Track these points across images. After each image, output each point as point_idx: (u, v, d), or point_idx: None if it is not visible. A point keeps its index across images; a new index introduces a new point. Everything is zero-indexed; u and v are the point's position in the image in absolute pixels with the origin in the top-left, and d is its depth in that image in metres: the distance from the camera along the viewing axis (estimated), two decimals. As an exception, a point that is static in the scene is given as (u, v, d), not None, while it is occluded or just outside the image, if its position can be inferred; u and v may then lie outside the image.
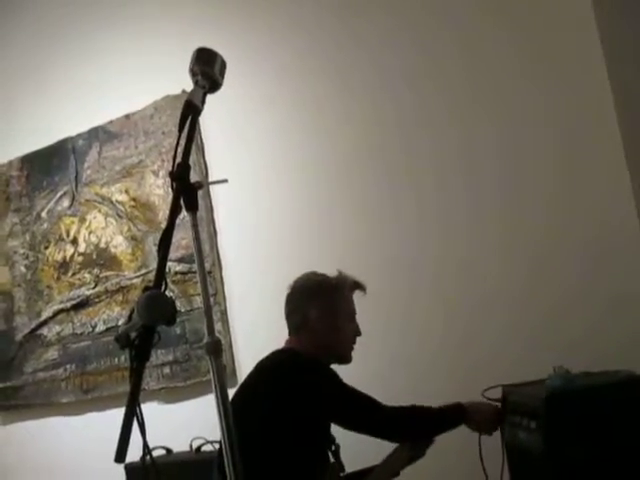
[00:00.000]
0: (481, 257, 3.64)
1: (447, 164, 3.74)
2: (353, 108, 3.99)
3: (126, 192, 4.69)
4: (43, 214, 5.02)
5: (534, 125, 3.56)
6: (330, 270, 2.98)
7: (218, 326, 4.13)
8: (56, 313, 4.91)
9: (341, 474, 2.87)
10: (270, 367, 2.83)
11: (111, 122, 4.75)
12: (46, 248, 5.00)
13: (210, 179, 4.29)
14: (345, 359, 2.95)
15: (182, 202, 1.66)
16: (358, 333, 2.99)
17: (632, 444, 2.60)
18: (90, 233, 4.83)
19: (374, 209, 3.89)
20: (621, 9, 3.41)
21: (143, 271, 4.58)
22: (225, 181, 1.93)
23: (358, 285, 2.99)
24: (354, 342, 2.99)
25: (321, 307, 2.88)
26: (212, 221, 4.34)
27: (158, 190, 4.55)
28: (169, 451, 3.98)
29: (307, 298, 2.90)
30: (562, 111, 3.49)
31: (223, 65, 1.87)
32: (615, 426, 2.62)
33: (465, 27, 3.73)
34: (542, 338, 3.44)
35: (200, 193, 1.70)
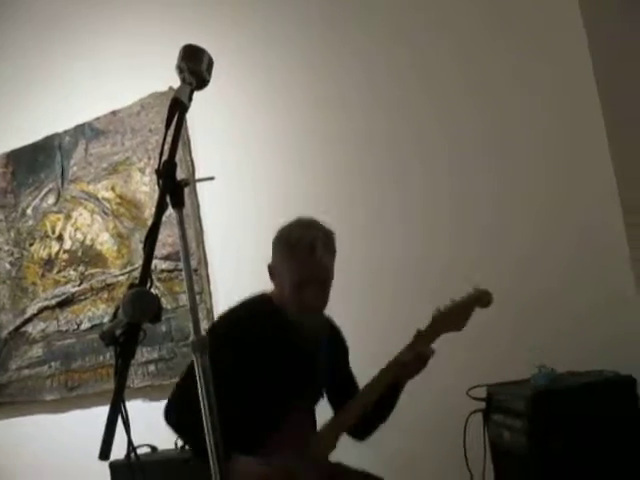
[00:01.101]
0: (466, 257, 3.65)
1: (434, 163, 3.75)
2: (341, 104, 3.99)
3: (112, 189, 4.67)
4: (28, 211, 4.99)
5: (521, 125, 3.57)
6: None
7: (204, 324, 4.12)
8: (41, 310, 4.89)
9: None
10: None
11: (98, 119, 4.74)
12: (31, 245, 4.97)
13: (197, 176, 4.28)
14: (299, 320, 2.65)
15: (168, 199, 1.65)
16: (302, 305, 2.60)
17: (615, 443, 2.63)
18: (76, 230, 4.81)
19: (360, 207, 3.89)
20: (608, 7, 3.42)
21: (129, 268, 4.56)
22: (212, 178, 1.92)
23: (313, 250, 2.55)
24: (304, 311, 2.62)
25: (273, 260, 2.67)
26: (198, 218, 4.34)
27: (144, 187, 4.54)
28: (154, 449, 3.97)
29: (272, 245, 2.71)
30: (549, 110, 3.51)
31: (210, 62, 1.86)
32: (599, 425, 2.64)
33: (457, 27, 3.74)
34: (527, 338, 3.45)
35: (186, 190, 1.70)
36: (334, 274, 2.65)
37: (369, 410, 2.66)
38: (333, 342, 2.85)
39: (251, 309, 2.70)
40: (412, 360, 2.62)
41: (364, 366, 3.74)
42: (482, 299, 2.65)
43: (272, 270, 2.66)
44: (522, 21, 3.58)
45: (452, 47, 3.73)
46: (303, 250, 2.53)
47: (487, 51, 3.64)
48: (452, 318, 2.64)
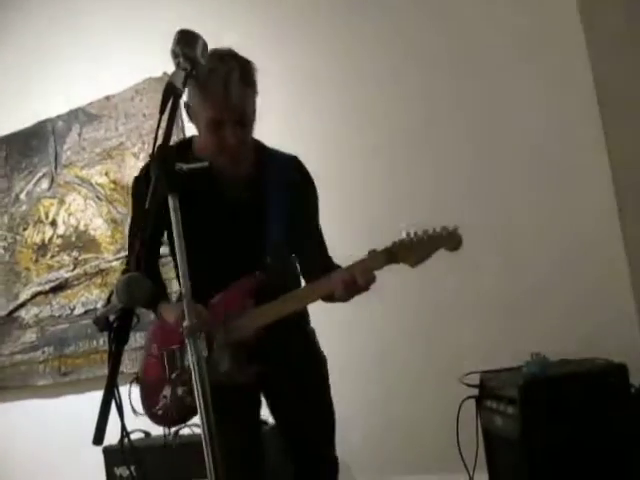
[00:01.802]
0: (462, 246, 3.64)
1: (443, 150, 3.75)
2: (334, 89, 3.99)
3: (106, 174, 4.66)
4: (22, 196, 4.98)
5: (516, 122, 3.58)
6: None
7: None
8: (34, 295, 4.88)
9: None
10: None
11: (91, 104, 4.72)
12: (24, 230, 4.96)
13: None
14: (217, 166, 2.25)
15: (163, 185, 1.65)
16: (219, 146, 2.22)
17: (607, 430, 2.64)
18: (69, 215, 4.80)
19: (353, 191, 3.89)
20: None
21: (122, 254, 4.55)
22: (205, 165, 1.92)
23: (227, 84, 2.18)
24: (223, 153, 2.23)
25: (188, 97, 2.26)
26: (192, 204, 4.32)
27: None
28: (147, 434, 3.98)
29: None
30: (545, 103, 3.51)
31: (205, 47, 1.86)
32: (591, 413, 2.65)
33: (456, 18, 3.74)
34: (520, 325, 3.47)
35: (181, 176, 1.69)
36: (255, 111, 2.29)
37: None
38: (289, 188, 2.36)
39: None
40: (353, 277, 2.15)
41: (361, 353, 3.76)
42: (450, 241, 2.16)
43: (188, 109, 2.28)
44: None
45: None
46: (216, 84, 2.16)
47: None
48: (411, 252, 2.15)
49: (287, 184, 2.35)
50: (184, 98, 2.11)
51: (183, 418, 2.31)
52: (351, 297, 2.21)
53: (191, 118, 2.29)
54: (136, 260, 1.57)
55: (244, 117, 2.24)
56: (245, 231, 2.33)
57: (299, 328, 2.44)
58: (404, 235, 2.14)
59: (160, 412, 2.30)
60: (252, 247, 2.30)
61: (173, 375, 2.28)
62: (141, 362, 2.44)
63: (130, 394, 2.24)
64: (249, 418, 2.41)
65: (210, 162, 2.21)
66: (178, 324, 2.05)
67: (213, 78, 2.15)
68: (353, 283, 2.14)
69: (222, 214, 2.32)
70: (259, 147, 2.42)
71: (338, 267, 2.30)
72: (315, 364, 2.47)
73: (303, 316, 2.47)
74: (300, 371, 2.40)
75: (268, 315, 2.21)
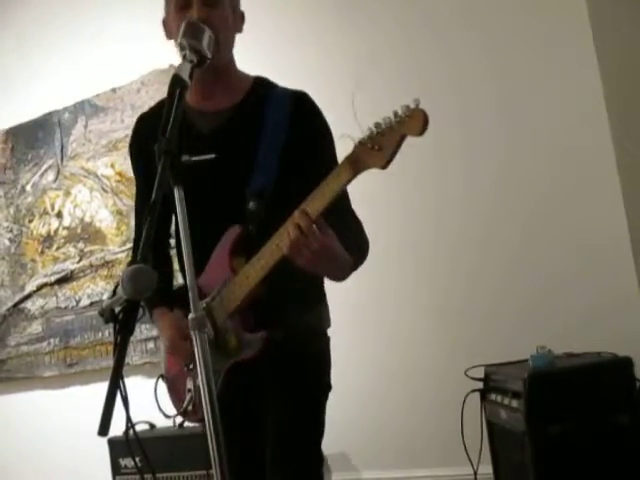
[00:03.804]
0: (468, 239, 3.65)
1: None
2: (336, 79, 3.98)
3: (112, 166, 4.66)
4: (28, 187, 4.99)
5: (532, 117, 3.57)
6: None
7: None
8: (40, 287, 4.89)
9: None
10: None
11: (97, 96, 4.72)
12: (30, 222, 4.97)
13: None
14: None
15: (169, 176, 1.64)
16: (187, 25, 1.85)
17: (612, 424, 2.64)
18: (75, 207, 4.81)
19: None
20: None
21: (128, 246, 4.55)
22: (211, 156, 1.91)
23: None
24: (190, 31, 1.84)
25: None
26: (198, 197, 4.32)
27: (144, 165, 4.53)
28: (152, 426, 3.99)
29: None
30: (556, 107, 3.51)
31: (211, 39, 1.85)
32: (595, 406, 2.65)
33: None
34: (525, 319, 3.47)
35: (186, 168, 1.69)
36: (229, 12, 2.04)
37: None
38: (286, 126, 2.03)
39: (153, 105, 2.38)
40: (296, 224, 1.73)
41: (368, 345, 3.76)
42: (413, 124, 1.55)
43: (164, 22, 2.14)
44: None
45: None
46: None
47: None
48: (374, 150, 1.62)
49: (285, 122, 2.02)
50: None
51: None
52: (314, 256, 1.74)
53: (166, 13, 2.12)
54: (141, 250, 1.56)
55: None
56: (227, 176, 2.03)
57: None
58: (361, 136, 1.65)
59: (190, 407, 2.05)
60: (234, 195, 2.00)
61: (190, 366, 2.05)
62: (163, 360, 2.31)
63: (157, 396, 2.18)
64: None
65: (194, 99, 2.07)
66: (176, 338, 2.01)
67: None
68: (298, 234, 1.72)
69: (197, 151, 1.78)
70: (259, 81, 2.16)
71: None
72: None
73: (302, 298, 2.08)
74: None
75: (251, 275, 1.90)
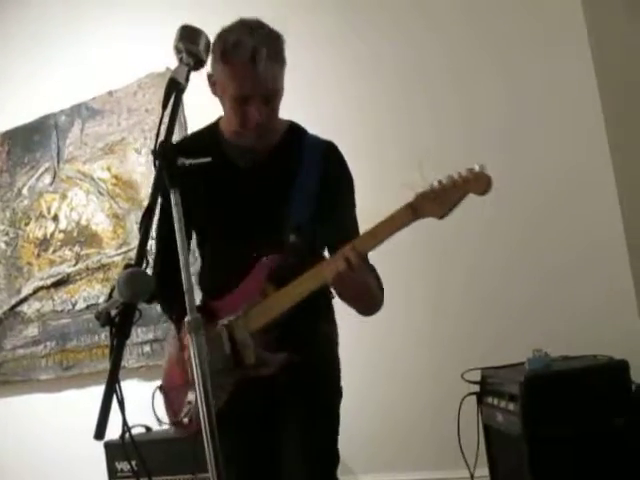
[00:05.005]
0: (464, 242, 3.65)
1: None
2: (342, 74, 3.99)
3: (108, 169, 4.66)
4: (24, 190, 4.98)
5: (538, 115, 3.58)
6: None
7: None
8: (36, 290, 4.89)
9: None
10: None
11: (94, 99, 4.72)
12: (26, 225, 4.97)
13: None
14: (246, 140, 2.19)
15: (165, 180, 1.65)
16: (244, 121, 2.13)
17: (609, 427, 2.64)
18: (71, 210, 4.80)
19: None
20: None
21: (124, 249, 4.56)
22: (208, 160, 1.92)
23: (254, 60, 2.05)
24: (247, 128, 2.14)
25: (212, 68, 2.16)
26: (194, 200, 4.33)
27: (140, 168, 4.53)
28: (148, 429, 3.98)
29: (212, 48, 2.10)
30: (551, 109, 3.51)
31: (207, 42, 1.85)
32: (591, 409, 2.65)
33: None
34: (522, 322, 3.47)
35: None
36: (283, 87, 2.15)
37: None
38: (319, 171, 2.21)
39: (189, 135, 2.46)
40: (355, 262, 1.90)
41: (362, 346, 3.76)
42: (477, 184, 1.84)
43: (211, 79, 2.18)
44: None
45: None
46: (242, 59, 2.04)
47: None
48: (436, 202, 1.90)
49: (318, 166, 2.20)
50: (207, 69, 2.05)
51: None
52: (354, 289, 1.95)
53: (214, 91, 2.19)
54: (137, 254, 1.57)
55: (271, 93, 2.12)
56: (264, 209, 2.19)
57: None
58: (426, 186, 1.90)
59: (186, 419, 2.17)
60: (272, 227, 2.15)
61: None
62: (164, 371, 2.36)
63: (154, 405, 2.22)
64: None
65: (232, 136, 2.19)
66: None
67: (240, 51, 2.05)
68: (348, 267, 1.89)
69: (239, 190, 2.19)
70: (294, 127, 2.31)
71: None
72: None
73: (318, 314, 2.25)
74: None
75: (286, 300, 2.06)
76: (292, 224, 2.14)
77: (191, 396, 2.15)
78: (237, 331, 2.10)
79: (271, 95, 2.12)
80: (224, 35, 2.12)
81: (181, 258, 1.66)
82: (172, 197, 1.65)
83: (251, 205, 2.19)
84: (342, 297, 2.02)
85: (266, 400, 2.19)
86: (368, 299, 2.05)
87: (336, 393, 2.28)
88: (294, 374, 2.11)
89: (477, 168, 1.84)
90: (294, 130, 2.30)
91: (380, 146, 3.81)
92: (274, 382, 2.12)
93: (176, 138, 1.84)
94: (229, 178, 2.20)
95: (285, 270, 2.09)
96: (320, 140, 2.29)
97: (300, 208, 2.16)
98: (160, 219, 2.20)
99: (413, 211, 1.89)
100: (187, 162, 1.69)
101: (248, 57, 2.04)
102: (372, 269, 2.08)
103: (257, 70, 2.05)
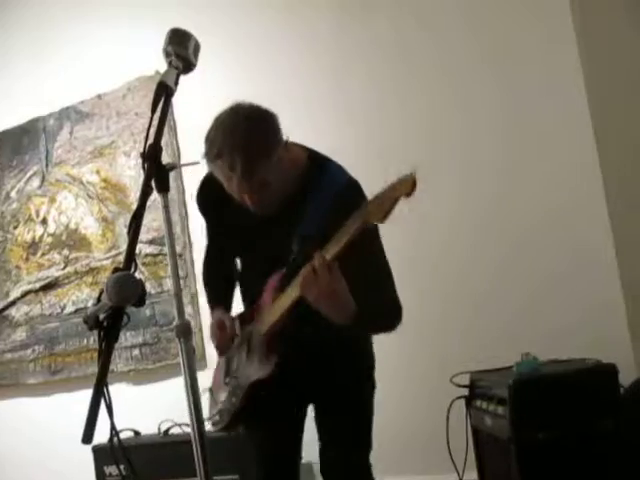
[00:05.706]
0: (454, 246, 3.66)
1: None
2: (332, 73, 3.99)
3: (97, 173, 4.65)
4: (12, 193, 4.97)
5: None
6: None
7: (188, 309, 4.12)
8: (24, 294, 4.87)
9: None
10: None
11: (83, 102, 4.71)
12: (15, 228, 4.95)
13: (182, 161, 4.27)
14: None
15: (153, 183, 1.65)
16: (241, 201, 2.24)
17: (597, 431, 2.64)
18: (60, 214, 4.79)
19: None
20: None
21: (113, 252, 4.55)
22: (197, 163, 1.92)
23: (233, 170, 2.12)
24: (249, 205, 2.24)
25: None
26: (183, 203, 4.33)
27: (129, 171, 4.53)
28: (137, 433, 3.98)
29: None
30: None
31: (197, 46, 1.86)
32: (580, 412, 2.66)
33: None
34: (511, 326, 3.48)
35: (172, 175, 1.69)
36: (276, 170, 2.17)
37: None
38: (333, 204, 2.23)
39: None
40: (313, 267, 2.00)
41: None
42: (403, 187, 1.87)
43: None
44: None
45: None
46: (224, 169, 2.13)
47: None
48: (379, 207, 1.92)
49: (333, 202, 2.22)
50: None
51: (233, 422, 2.37)
52: (322, 299, 2.02)
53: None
54: (125, 258, 1.57)
55: (261, 189, 2.18)
56: (277, 236, 2.29)
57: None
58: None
59: (217, 417, 2.39)
60: (283, 246, 2.27)
61: (227, 380, 2.39)
62: (213, 373, 2.56)
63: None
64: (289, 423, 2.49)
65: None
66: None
67: (220, 163, 2.12)
68: (313, 274, 1.98)
69: (254, 224, 2.31)
70: (313, 160, 2.35)
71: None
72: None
73: None
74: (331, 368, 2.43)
75: (275, 310, 2.21)
76: (297, 238, 2.26)
77: (223, 396, 2.38)
78: (254, 336, 2.30)
79: (259, 190, 2.17)
80: (209, 137, 2.19)
81: (169, 260, 1.66)
82: (161, 201, 1.65)
83: (268, 227, 2.29)
84: (312, 304, 2.03)
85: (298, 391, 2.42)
86: (334, 306, 2.05)
87: (371, 386, 2.64)
88: (330, 368, 2.39)
89: (406, 173, 1.87)
90: (313, 166, 2.33)
91: (372, 154, 3.81)
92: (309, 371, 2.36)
93: (165, 141, 1.84)
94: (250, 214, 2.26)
95: (290, 279, 2.16)
96: (338, 177, 2.32)
97: (309, 223, 2.24)
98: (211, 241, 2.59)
99: (362, 219, 1.93)
100: (176, 165, 1.69)
101: (228, 169, 2.11)
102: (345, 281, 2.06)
103: (238, 178, 2.12)
